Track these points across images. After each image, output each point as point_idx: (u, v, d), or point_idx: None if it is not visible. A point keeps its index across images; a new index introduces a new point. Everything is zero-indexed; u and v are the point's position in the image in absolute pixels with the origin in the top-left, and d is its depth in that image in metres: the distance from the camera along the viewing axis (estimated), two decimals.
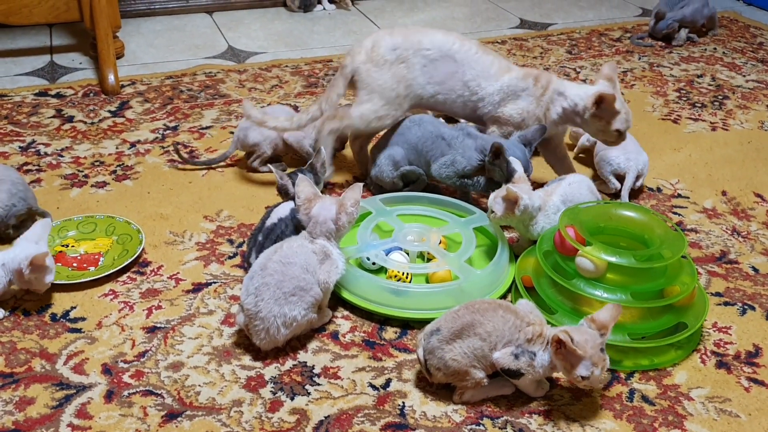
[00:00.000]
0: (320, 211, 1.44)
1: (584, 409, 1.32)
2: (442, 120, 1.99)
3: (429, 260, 1.65)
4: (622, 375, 1.40)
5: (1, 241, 1.67)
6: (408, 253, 1.63)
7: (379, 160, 1.89)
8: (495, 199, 1.60)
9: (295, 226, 1.55)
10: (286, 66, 2.72)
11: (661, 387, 1.38)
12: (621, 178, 1.95)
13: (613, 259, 1.43)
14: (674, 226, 1.56)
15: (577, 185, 1.73)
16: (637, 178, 1.94)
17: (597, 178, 1.98)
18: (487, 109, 1.88)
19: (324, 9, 3.34)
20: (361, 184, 1.47)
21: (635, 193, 1.98)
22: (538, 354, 1.27)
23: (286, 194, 1.72)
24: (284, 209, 1.58)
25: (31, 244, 1.48)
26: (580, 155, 2.16)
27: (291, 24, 3.18)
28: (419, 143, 1.83)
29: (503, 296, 1.57)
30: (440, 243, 1.67)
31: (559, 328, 1.26)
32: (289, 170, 1.85)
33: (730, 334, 1.51)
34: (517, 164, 1.67)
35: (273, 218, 1.58)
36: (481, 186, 1.79)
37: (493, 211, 1.61)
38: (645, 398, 1.35)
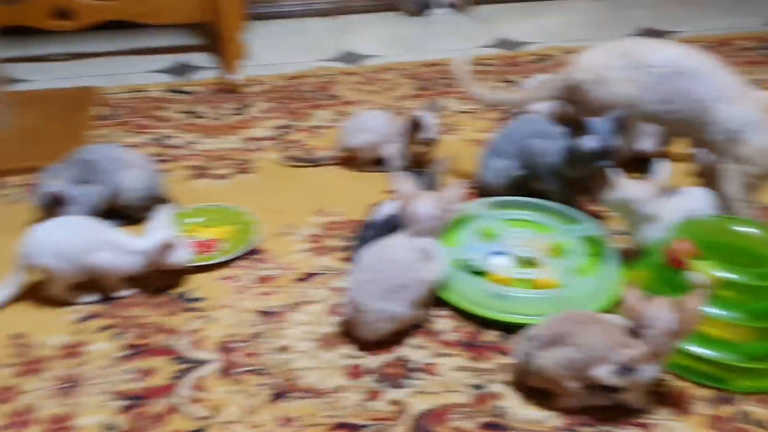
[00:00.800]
0: (420, 209, 1.47)
1: (690, 425, 1.29)
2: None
3: (534, 267, 1.64)
4: (734, 396, 1.35)
5: (132, 223, 1.80)
6: (513, 258, 1.64)
7: (490, 165, 1.90)
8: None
9: (397, 224, 1.59)
10: (399, 69, 2.78)
11: None
12: None
13: (728, 276, 1.38)
14: None
15: (697, 198, 1.67)
16: None
17: None
18: (719, 136, 1.70)
19: (441, 13, 3.38)
20: (462, 182, 1.49)
21: None
22: (641, 370, 1.25)
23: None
24: (391, 206, 1.62)
25: (161, 229, 1.58)
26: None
27: (407, 28, 3.24)
28: (526, 143, 1.83)
29: (609, 308, 1.54)
30: (546, 250, 1.66)
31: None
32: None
33: None
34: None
35: (380, 215, 1.62)
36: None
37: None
38: (758, 422, 1.30)
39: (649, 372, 1.25)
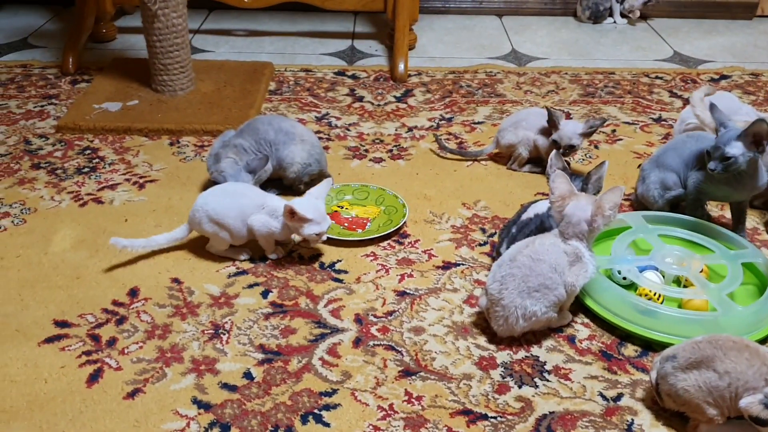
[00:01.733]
0: (575, 211, 1.42)
1: None
2: None
3: (685, 287, 1.57)
4: None
5: (293, 193, 1.90)
6: (663, 275, 1.57)
7: (649, 179, 1.82)
8: None
9: (542, 224, 1.56)
10: (566, 73, 2.73)
11: None
12: None
13: None
14: None
15: None
16: None
17: None
18: None
19: (614, 22, 3.28)
20: (623, 188, 1.42)
21: None
22: None
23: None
24: (542, 206, 1.60)
25: (310, 198, 1.65)
26: None
27: (578, 34, 3.17)
28: (691, 157, 1.74)
29: (764, 340, 1.45)
30: (701, 271, 1.58)
31: None
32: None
33: None
34: None
35: (530, 213, 1.61)
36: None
37: None
38: None
39: None
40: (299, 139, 1.88)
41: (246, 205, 1.64)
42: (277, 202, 1.66)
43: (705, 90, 1.91)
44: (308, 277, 1.63)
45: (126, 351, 1.42)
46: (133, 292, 1.57)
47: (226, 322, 1.49)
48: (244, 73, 2.56)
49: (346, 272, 1.65)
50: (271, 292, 1.58)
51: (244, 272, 1.64)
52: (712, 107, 1.68)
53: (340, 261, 1.68)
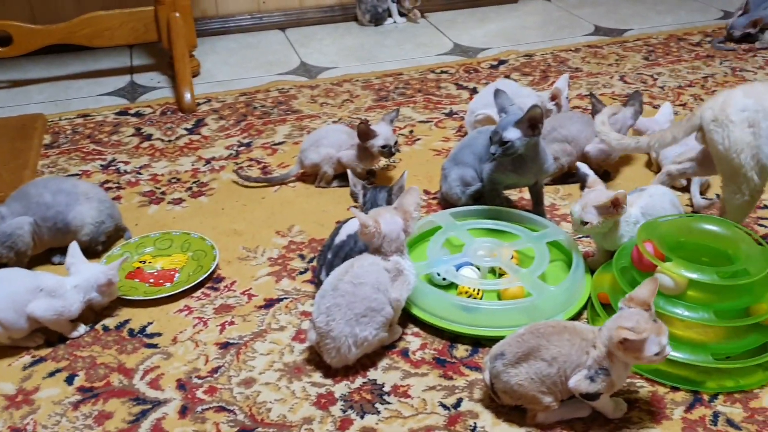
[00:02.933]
0: (390, 227, 1.42)
1: (665, 430, 1.27)
2: None
3: (501, 276, 1.61)
4: (706, 397, 1.34)
5: (89, 256, 1.73)
6: (479, 269, 1.61)
7: (450, 177, 1.87)
8: (585, 209, 1.53)
9: (357, 244, 1.54)
10: (357, 80, 2.74)
11: (748, 410, 1.31)
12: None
13: (694, 276, 1.36)
14: (760, 240, 1.48)
15: (659, 197, 1.66)
16: None
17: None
18: None
19: (394, 22, 3.35)
20: (417, 188, 1.46)
21: (703, 190, 1.94)
22: (611, 368, 1.22)
23: (356, 200, 1.72)
24: (353, 225, 1.57)
25: (94, 266, 1.52)
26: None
27: (362, 38, 3.21)
28: (484, 152, 1.81)
29: (578, 313, 1.52)
30: (512, 258, 1.63)
31: (607, 326, 1.23)
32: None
33: None
34: (586, 168, 1.62)
35: (342, 235, 1.58)
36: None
37: (585, 222, 1.54)
38: (730, 422, 1.29)
39: (619, 369, 1.23)
40: (84, 198, 1.71)
41: (16, 293, 1.44)
42: (53, 279, 1.48)
43: (609, 111, 1.82)
44: (118, 350, 1.48)
45: None
46: None
47: (28, 424, 1.32)
48: (12, 130, 2.31)
49: (159, 335, 1.52)
50: (77, 375, 1.42)
51: (41, 360, 1.46)
52: (497, 93, 1.74)
53: (151, 323, 1.55)
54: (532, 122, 1.65)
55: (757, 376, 1.37)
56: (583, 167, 1.62)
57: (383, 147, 1.97)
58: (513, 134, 1.65)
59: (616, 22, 3.31)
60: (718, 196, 1.93)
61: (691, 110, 2.40)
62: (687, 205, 1.89)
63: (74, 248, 1.56)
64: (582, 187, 1.60)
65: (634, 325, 1.18)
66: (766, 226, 1.81)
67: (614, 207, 1.52)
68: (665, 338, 1.21)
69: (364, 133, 1.95)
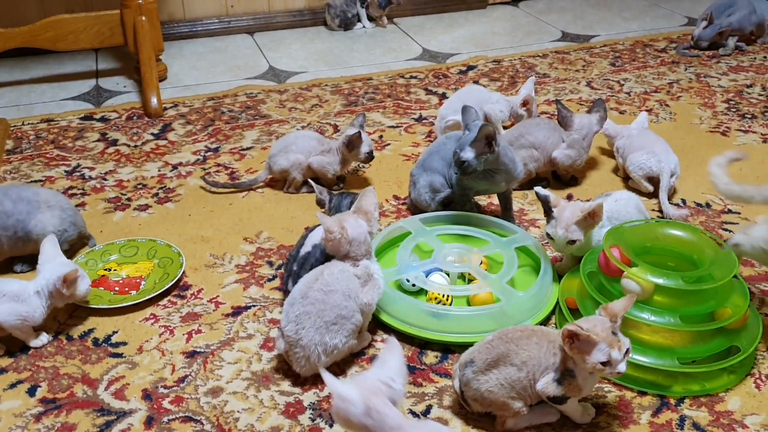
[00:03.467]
0: (356, 232, 1.42)
1: None
2: None
3: (470, 281, 1.62)
4: (672, 401, 1.35)
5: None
6: (448, 275, 1.61)
7: (419, 183, 1.87)
8: (569, 229, 1.53)
9: (322, 254, 1.52)
10: (326, 85, 2.73)
11: (714, 414, 1.32)
12: (653, 181, 1.95)
13: (660, 281, 1.38)
14: (724, 245, 1.51)
15: (624, 202, 1.68)
16: (671, 176, 1.94)
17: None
18: None
19: (363, 27, 3.35)
20: (372, 188, 1.48)
21: (669, 195, 1.96)
22: (576, 370, 1.23)
23: (322, 207, 1.74)
24: (318, 235, 1.56)
25: (54, 264, 1.48)
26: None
27: (331, 43, 3.20)
28: (451, 159, 1.80)
29: (547, 318, 1.53)
30: (481, 264, 1.64)
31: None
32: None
33: None
34: (543, 190, 1.61)
35: (307, 246, 1.55)
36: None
37: (573, 241, 1.54)
38: (696, 425, 1.30)
39: (584, 372, 1.23)
40: (45, 206, 1.68)
41: None
42: (16, 284, 1.45)
43: (731, 156, 1.68)
44: (82, 359, 1.45)
45: None
46: None
47: None
48: None
49: (124, 344, 1.49)
50: (40, 387, 1.38)
51: (2, 371, 1.43)
52: (464, 109, 1.75)
53: (116, 332, 1.52)
54: (488, 139, 1.66)
55: (723, 379, 1.39)
56: (541, 190, 1.60)
57: (368, 153, 1.99)
58: (469, 154, 1.67)
59: (583, 28, 3.35)
60: (684, 201, 1.96)
61: (657, 116, 2.44)
62: (653, 210, 1.91)
63: (46, 246, 1.51)
64: (546, 210, 1.58)
65: (587, 327, 1.19)
66: (730, 231, 1.84)
67: (591, 218, 1.54)
68: (618, 354, 1.19)
69: (357, 142, 1.96)
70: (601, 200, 1.67)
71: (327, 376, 1.07)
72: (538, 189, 1.60)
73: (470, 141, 1.66)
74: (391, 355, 1.15)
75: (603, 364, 1.19)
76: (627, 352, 1.21)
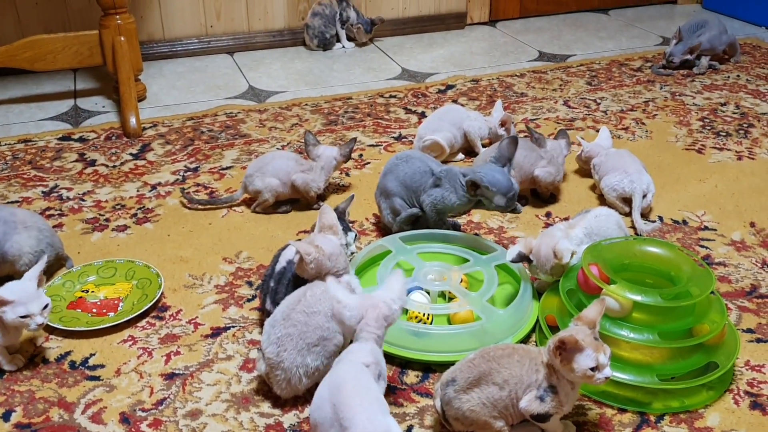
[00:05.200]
0: (330, 246, 1.43)
1: None
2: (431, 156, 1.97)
3: (451, 300, 1.62)
4: (652, 418, 1.36)
5: None
6: (429, 293, 1.61)
7: (381, 207, 1.89)
8: (563, 247, 1.53)
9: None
10: (306, 104, 2.74)
11: (693, 430, 1.33)
12: (627, 201, 1.98)
13: (638, 298, 1.39)
14: (701, 261, 1.52)
15: (604, 219, 1.69)
16: (643, 197, 1.96)
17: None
18: None
19: (343, 47, 3.37)
20: (326, 205, 1.53)
21: (646, 211, 2.00)
22: (558, 386, 1.23)
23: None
24: (291, 251, 1.55)
25: (31, 291, 1.43)
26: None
27: (310, 63, 3.21)
28: (407, 179, 1.82)
29: (527, 336, 1.53)
30: (461, 282, 1.64)
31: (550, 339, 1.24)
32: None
33: (764, 373, 1.45)
34: (515, 250, 1.60)
35: (282, 262, 1.55)
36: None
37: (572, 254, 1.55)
38: None
39: (566, 387, 1.24)
40: (22, 227, 1.66)
41: None
42: None
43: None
44: (58, 383, 1.43)
45: None
46: None
47: None
48: None
49: (102, 366, 1.47)
50: (14, 411, 1.36)
51: None
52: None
53: (94, 355, 1.50)
54: (473, 187, 1.70)
55: (702, 396, 1.39)
56: (513, 256, 1.58)
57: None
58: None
59: (559, 48, 3.39)
60: (661, 218, 1.98)
61: (633, 134, 2.47)
62: (630, 227, 1.93)
63: (37, 266, 1.47)
64: (529, 261, 1.58)
65: (571, 334, 1.20)
66: (707, 248, 1.86)
67: (559, 259, 1.54)
68: (604, 357, 1.21)
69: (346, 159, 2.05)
70: (581, 217, 1.69)
71: (330, 283, 1.28)
72: (510, 252, 1.58)
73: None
74: (396, 281, 1.29)
75: (592, 369, 1.20)
76: (609, 355, 1.23)
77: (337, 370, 1.18)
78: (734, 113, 2.65)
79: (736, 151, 2.36)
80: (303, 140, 2.08)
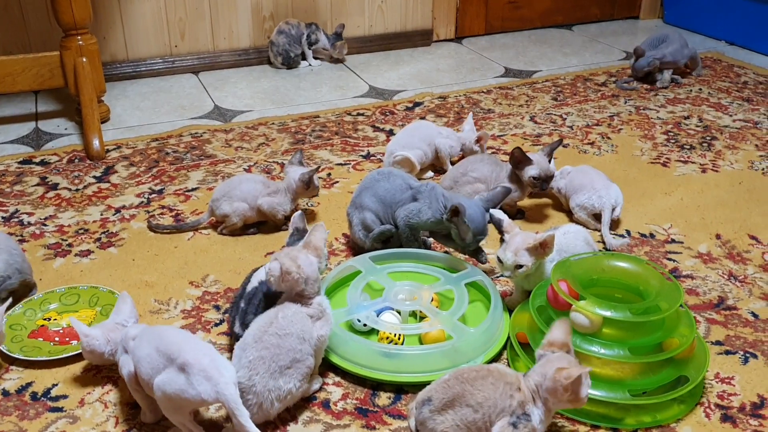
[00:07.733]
0: (310, 269, 1.40)
1: None
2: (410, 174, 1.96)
3: (422, 319, 1.60)
4: None
5: None
6: (400, 313, 1.59)
7: (354, 224, 1.87)
8: (518, 254, 1.55)
9: (269, 290, 1.50)
10: (273, 123, 2.72)
11: None
12: (598, 216, 1.99)
13: (608, 314, 1.39)
14: (669, 275, 1.53)
15: (573, 236, 1.70)
16: (613, 209, 1.98)
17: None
18: None
19: (309, 65, 3.36)
20: (322, 223, 1.48)
21: (615, 224, 2.02)
22: (532, 413, 1.22)
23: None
24: (263, 273, 1.53)
25: None
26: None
27: (277, 81, 3.19)
28: (387, 195, 1.82)
29: (498, 354, 1.53)
30: (432, 300, 1.63)
31: (537, 372, 1.24)
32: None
33: (734, 385, 1.46)
34: (500, 213, 1.65)
35: (254, 282, 1.53)
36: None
37: (520, 266, 1.55)
38: None
39: (538, 412, 1.23)
40: None
41: None
42: None
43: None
44: (19, 416, 1.38)
45: None
46: None
47: None
48: None
49: (65, 397, 1.43)
50: None
51: None
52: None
53: (56, 385, 1.46)
54: (454, 213, 1.68)
55: (673, 410, 1.40)
56: (497, 213, 1.64)
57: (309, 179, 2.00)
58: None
59: (525, 64, 3.42)
60: (628, 232, 2.00)
61: (599, 149, 2.49)
62: (598, 241, 1.94)
63: None
64: (500, 232, 1.62)
65: (570, 369, 1.21)
66: (675, 260, 1.87)
67: (542, 248, 1.55)
68: (588, 377, 1.23)
69: (307, 184, 1.99)
70: (549, 233, 1.69)
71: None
72: (494, 211, 1.62)
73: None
74: (123, 304, 1.47)
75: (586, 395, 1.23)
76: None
77: (152, 331, 1.34)
78: (697, 126, 2.69)
79: (701, 164, 2.39)
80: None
